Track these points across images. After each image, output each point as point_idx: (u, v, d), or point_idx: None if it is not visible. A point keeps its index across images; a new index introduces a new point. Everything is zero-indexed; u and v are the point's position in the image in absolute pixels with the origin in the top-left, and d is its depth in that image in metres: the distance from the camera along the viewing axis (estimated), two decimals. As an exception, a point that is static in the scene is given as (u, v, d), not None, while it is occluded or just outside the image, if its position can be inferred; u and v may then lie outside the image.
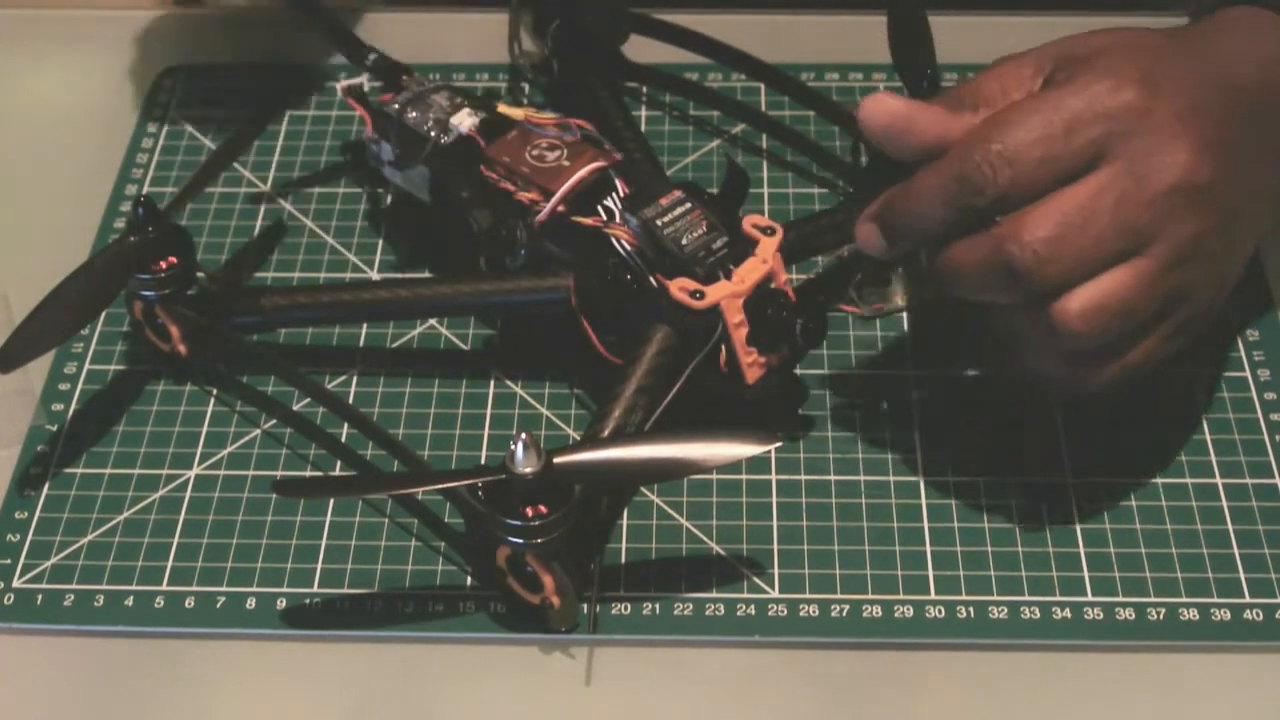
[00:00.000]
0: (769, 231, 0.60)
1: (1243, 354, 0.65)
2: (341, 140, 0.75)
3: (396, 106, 0.66)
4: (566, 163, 0.63)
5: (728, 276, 0.59)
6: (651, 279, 0.59)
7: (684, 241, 0.59)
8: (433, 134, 0.65)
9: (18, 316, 0.60)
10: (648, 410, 0.58)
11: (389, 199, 0.72)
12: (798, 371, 0.63)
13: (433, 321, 0.67)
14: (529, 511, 0.53)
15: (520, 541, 0.54)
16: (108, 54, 0.81)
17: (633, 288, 0.60)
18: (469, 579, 0.59)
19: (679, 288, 0.58)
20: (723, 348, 0.59)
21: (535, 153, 0.63)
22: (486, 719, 0.56)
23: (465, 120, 0.65)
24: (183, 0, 0.83)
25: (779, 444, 0.58)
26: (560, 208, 0.62)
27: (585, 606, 0.57)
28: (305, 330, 0.67)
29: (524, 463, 0.53)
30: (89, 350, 0.66)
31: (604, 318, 0.61)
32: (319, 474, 0.62)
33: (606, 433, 0.57)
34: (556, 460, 0.53)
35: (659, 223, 0.59)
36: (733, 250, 0.59)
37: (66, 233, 0.71)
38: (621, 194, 0.62)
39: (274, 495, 0.60)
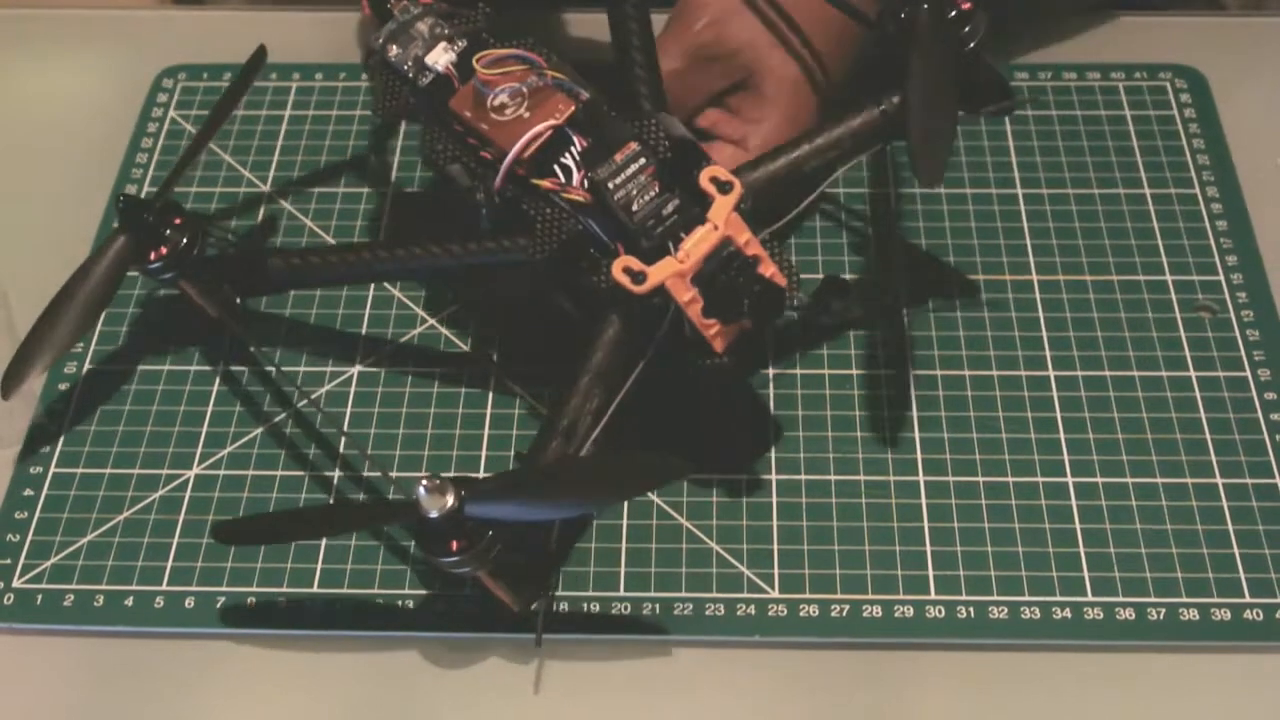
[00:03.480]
0: (726, 188, 0.54)
1: (1243, 354, 0.65)
2: (342, 140, 0.75)
3: (380, 41, 0.58)
4: (526, 114, 0.56)
5: (676, 247, 0.54)
6: (613, 246, 0.55)
7: (634, 208, 0.54)
8: (410, 75, 0.56)
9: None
10: (605, 397, 0.55)
11: (389, 199, 0.72)
12: (797, 372, 0.63)
13: (433, 321, 0.67)
14: (453, 545, 0.51)
15: (451, 572, 0.52)
16: (108, 54, 0.81)
17: (581, 265, 0.55)
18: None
19: (621, 269, 0.54)
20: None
21: (497, 101, 0.56)
22: (486, 719, 0.56)
23: (441, 57, 0.57)
24: (183, 0, 0.83)
25: (691, 475, 0.58)
26: (519, 170, 0.56)
27: (537, 609, 0.56)
28: (305, 330, 0.67)
29: (429, 506, 0.50)
30: (89, 350, 0.66)
31: (574, 289, 0.57)
32: (254, 515, 0.60)
33: (565, 423, 0.55)
34: (469, 509, 0.50)
35: (610, 185, 0.55)
36: (684, 216, 0.55)
37: (66, 233, 0.71)
38: (579, 148, 0.56)
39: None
